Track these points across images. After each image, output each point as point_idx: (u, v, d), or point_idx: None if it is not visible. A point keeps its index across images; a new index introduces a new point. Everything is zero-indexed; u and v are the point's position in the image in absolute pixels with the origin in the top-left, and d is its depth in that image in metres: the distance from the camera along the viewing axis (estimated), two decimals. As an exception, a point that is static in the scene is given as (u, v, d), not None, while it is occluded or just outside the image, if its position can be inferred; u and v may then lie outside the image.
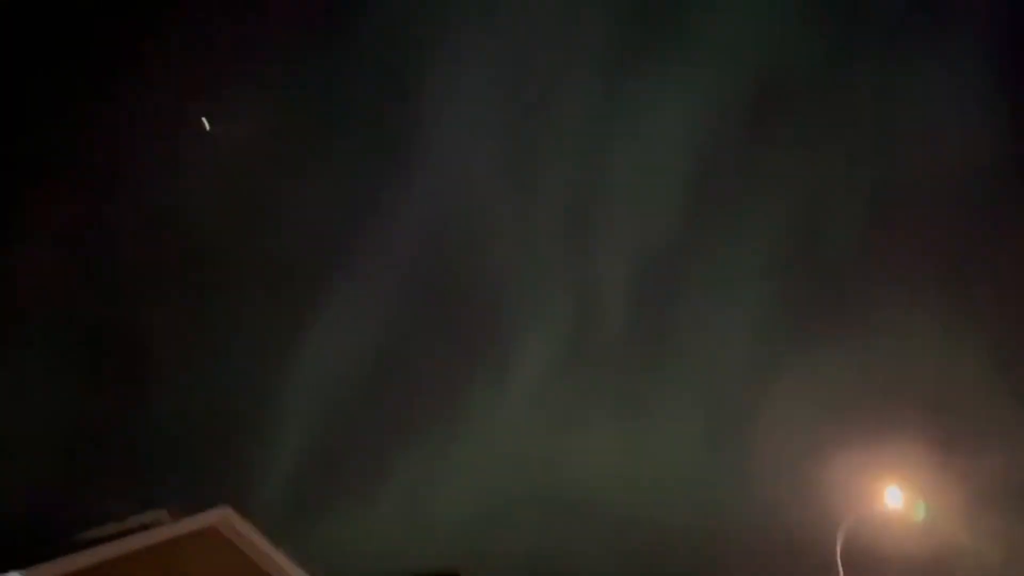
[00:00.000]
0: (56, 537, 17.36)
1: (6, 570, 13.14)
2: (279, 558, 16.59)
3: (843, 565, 22.87)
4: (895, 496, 25.09)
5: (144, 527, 17.36)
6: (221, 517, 15.99)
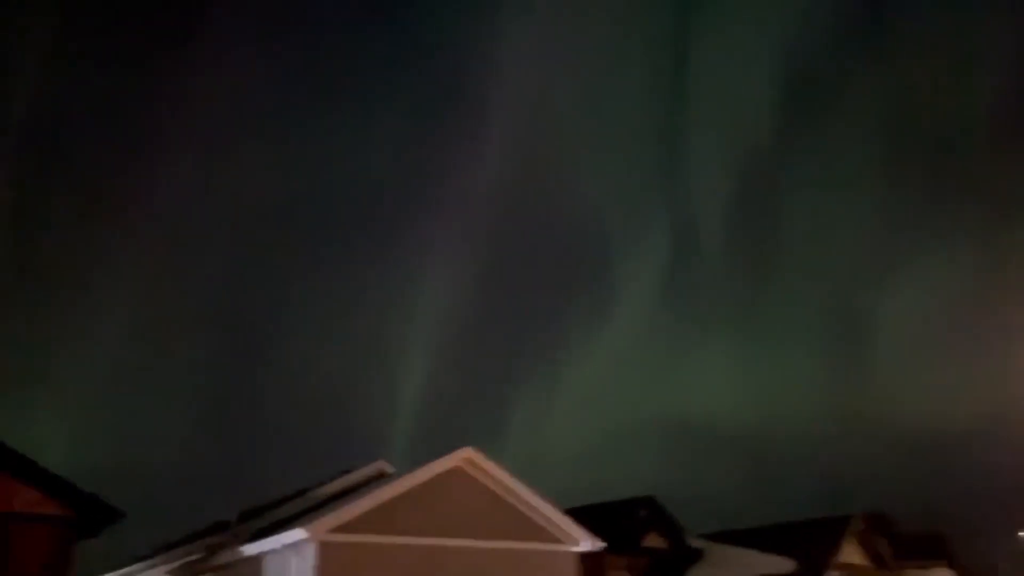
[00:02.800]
0: (300, 492, 20.39)
1: (286, 527, 15.78)
2: (520, 488, 18.10)
3: None
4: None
5: (375, 477, 19.73)
6: (466, 457, 17.70)
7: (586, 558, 19.20)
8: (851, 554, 27.67)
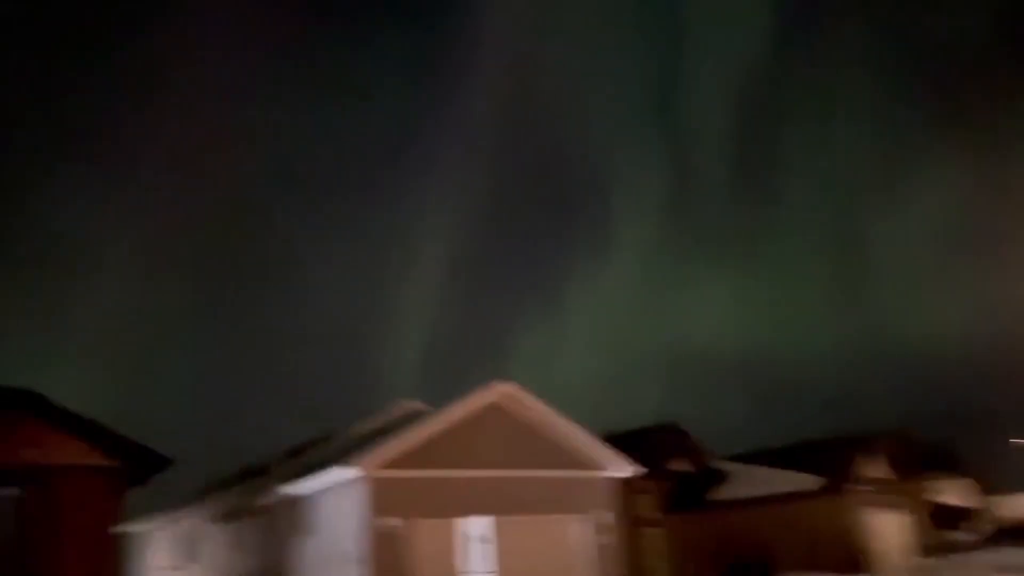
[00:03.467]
0: (328, 435, 20.64)
1: (333, 465, 15.92)
2: (557, 419, 18.31)
3: None
4: None
5: (410, 415, 19.90)
6: (504, 391, 17.85)
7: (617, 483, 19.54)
8: (875, 469, 28.15)
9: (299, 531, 17.41)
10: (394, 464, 15.64)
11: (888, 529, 27.58)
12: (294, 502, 17.63)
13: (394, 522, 15.26)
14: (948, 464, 38.47)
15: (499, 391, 17.71)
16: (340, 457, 16.25)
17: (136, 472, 15.30)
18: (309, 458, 19.39)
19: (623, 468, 19.11)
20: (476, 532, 16.29)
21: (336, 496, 16.01)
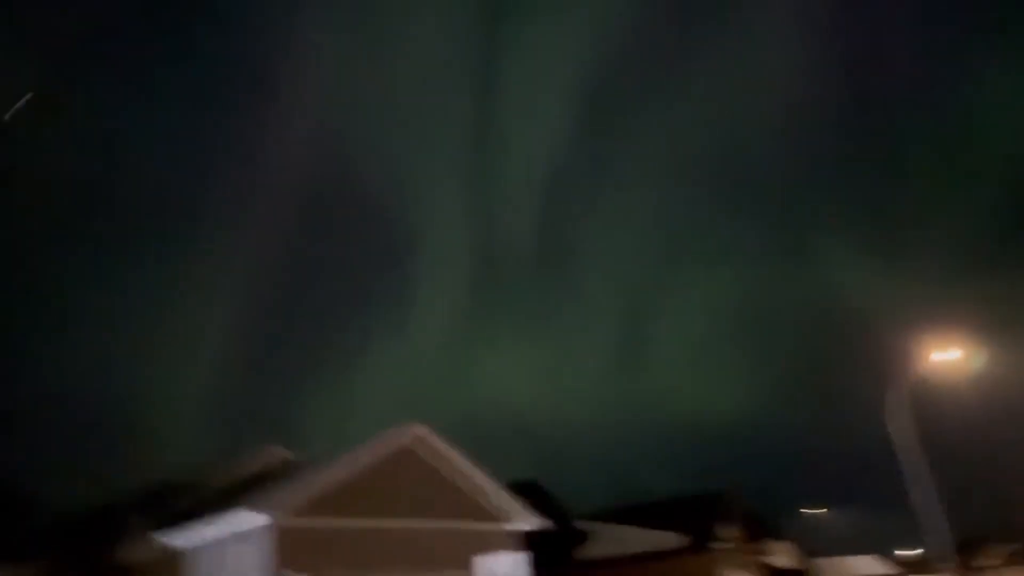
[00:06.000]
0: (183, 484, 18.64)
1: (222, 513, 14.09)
2: (467, 467, 17.36)
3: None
4: None
5: (276, 463, 18.45)
6: (416, 435, 16.70)
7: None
8: (729, 529, 29.15)
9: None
10: (303, 511, 13.98)
11: (740, 588, 28.52)
12: (171, 556, 15.29)
13: (301, 577, 13.54)
14: (767, 529, 40.83)
15: (413, 434, 16.56)
16: (233, 503, 14.32)
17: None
18: (181, 504, 17.03)
19: (528, 520, 18.39)
20: (384, 589, 14.90)
21: (232, 547, 14.01)
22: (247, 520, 13.57)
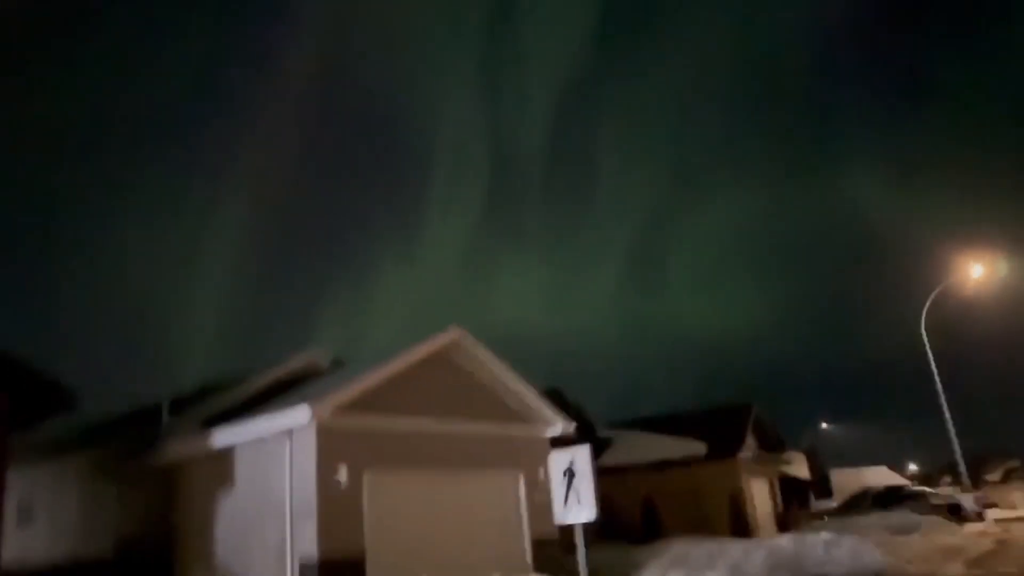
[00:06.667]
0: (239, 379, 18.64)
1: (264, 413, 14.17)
2: (503, 371, 17.37)
3: None
4: None
5: (311, 368, 18.51)
6: (454, 338, 16.63)
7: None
8: (751, 439, 29.50)
9: (220, 485, 15.34)
10: (344, 411, 14.00)
11: (761, 496, 29.05)
12: (215, 453, 15.49)
13: (344, 474, 13.67)
14: (784, 441, 41.44)
15: (451, 338, 16.48)
16: (277, 400, 14.39)
17: (25, 410, 12.84)
18: (221, 403, 17.18)
19: (561, 425, 18.51)
20: (423, 486, 15.12)
21: (275, 445, 14.11)
22: (291, 417, 13.61)
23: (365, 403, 14.38)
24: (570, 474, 8.57)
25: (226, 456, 15.26)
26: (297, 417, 13.46)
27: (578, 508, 8.80)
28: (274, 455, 14.05)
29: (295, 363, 19.98)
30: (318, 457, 13.42)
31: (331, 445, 13.64)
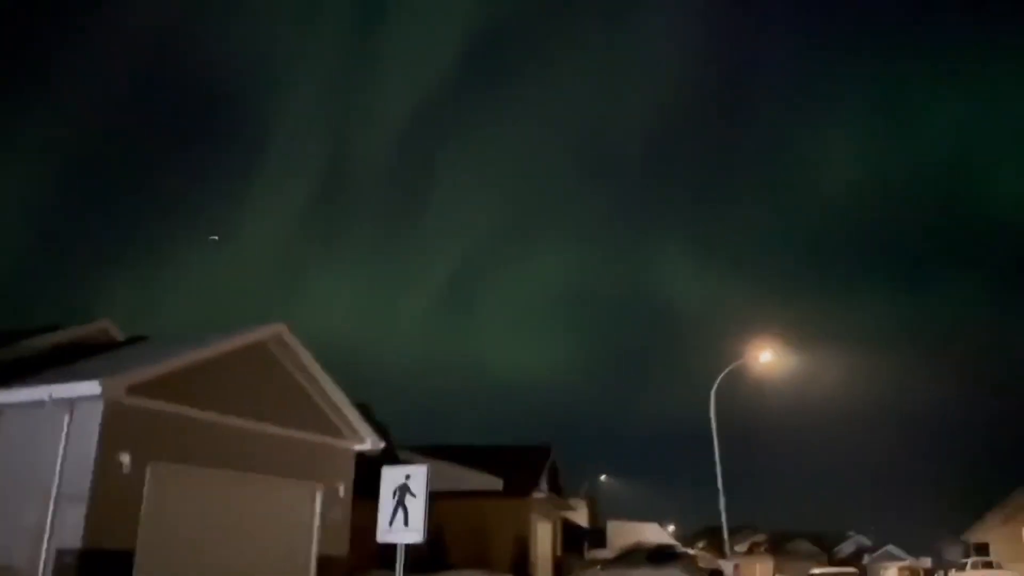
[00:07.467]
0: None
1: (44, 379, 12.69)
2: (320, 376, 16.54)
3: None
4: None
5: (98, 336, 17.10)
6: (275, 332, 15.67)
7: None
8: (544, 480, 30.07)
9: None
10: (140, 391, 12.68)
11: (544, 539, 29.59)
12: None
13: (127, 460, 12.34)
14: (568, 487, 42.81)
15: (273, 331, 15.50)
16: (61, 369, 12.77)
17: None
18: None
19: (370, 441, 17.89)
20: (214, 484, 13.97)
21: (49, 416, 12.46)
22: (77, 389, 12.12)
23: (166, 386, 13.13)
24: (401, 492, 8.12)
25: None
26: (83, 389, 12.01)
27: (404, 530, 8.36)
28: (47, 427, 12.42)
29: (87, 330, 18.06)
30: (101, 437, 12.04)
31: (118, 426, 12.30)
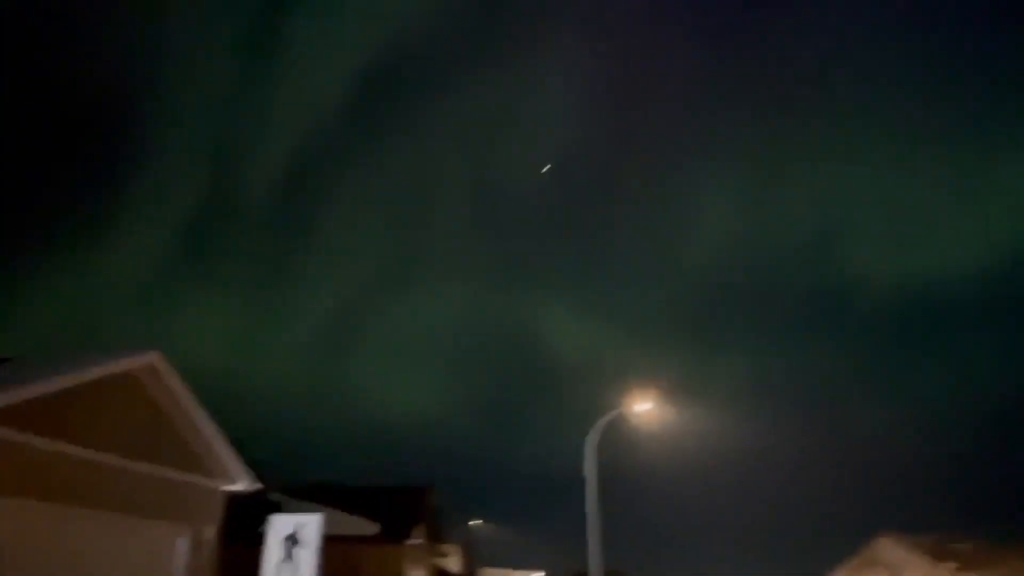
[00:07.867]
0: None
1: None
2: (193, 409, 15.52)
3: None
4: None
5: None
6: (148, 362, 14.62)
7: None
8: (422, 524, 29.31)
9: None
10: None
11: (419, 585, 28.71)
12: None
13: (-32, 496, 11.09)
14: (444, 533, 41.99)
15: (145, 360, 14.45)
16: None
17: None
18: None
19: (243, 481, 16.89)
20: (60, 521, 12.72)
21: None
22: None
23: (18, 413, 11.92)
24: (291, 541, 7.58)
25: None
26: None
27: (292, 581, 7.76)
28: None
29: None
30: (-62, 470, 10.76)
31: (-40, 458, 11.03)
